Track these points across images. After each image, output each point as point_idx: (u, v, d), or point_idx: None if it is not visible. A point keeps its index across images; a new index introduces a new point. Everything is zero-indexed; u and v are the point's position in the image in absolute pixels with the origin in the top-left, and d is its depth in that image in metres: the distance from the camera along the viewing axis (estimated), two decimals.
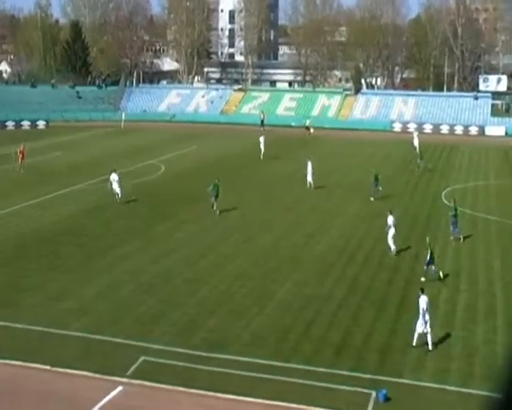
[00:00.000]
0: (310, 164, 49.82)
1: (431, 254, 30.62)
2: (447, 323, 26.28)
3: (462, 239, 37.06)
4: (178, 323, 25.82)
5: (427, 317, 23.88)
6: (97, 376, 21.55)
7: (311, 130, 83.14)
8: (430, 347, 23.82)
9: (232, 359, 22.79)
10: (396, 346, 24.19)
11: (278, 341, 24.42)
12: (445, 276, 31.11)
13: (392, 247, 34.76)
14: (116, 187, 44.97)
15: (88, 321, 25.73)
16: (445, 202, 46.56)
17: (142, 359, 22.61)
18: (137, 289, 29.36)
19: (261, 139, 64.56)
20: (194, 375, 21.76)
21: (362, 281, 30.91)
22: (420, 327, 23.90)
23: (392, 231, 34.58)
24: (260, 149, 63.66)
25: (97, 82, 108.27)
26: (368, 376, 21.90)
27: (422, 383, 21.56)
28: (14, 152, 56.31)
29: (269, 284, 30.18)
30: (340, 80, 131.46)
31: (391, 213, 34.91)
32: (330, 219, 41.36)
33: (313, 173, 49.58)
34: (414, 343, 24.02)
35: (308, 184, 49.58)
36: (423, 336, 23.91)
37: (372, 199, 46.19)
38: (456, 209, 37.46)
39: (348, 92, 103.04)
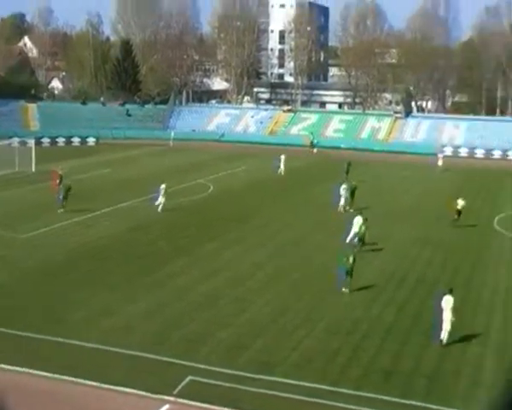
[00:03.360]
0: (343, 186, 49.88)
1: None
2: (499, 352, 25.72)
3: None
4: (226, 343, 25.64)
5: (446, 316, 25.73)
6: (145, 394, 21.46)
7: (315, 150, 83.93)
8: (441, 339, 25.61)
9: (280, 381, 22.51)
10: (446, 373, 23.67)
11: (326, 363, 24.07)
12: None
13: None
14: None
15: (135, 339, 25.67)
16: (498, 227, 45.90)
17: (188, 378, 22.44)
18: (185, 307, 29.25)
19: (282, 157, 66.17)
20: (241, 396, 21.52)
21: (411, 306, 30.43)
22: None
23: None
24: (279, 167, 65.82)
25: (139, 101, 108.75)
26: (417, 403, 21.44)
27: None
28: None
29: (317, 306, 29.87)
30: (391, 103, 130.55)
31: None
32: (380, 243, 40.59)
33: (345, 195, 49.37)
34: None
35: (340, 208, 49.26)
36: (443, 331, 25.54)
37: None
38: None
39: (398, 115, 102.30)
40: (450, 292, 26.34)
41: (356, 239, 38.83)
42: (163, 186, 47.58)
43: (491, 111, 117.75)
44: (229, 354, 24.62)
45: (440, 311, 26.07)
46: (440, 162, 72.83)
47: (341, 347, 25.55)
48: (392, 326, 27.79)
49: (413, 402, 21.50)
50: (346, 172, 60.58)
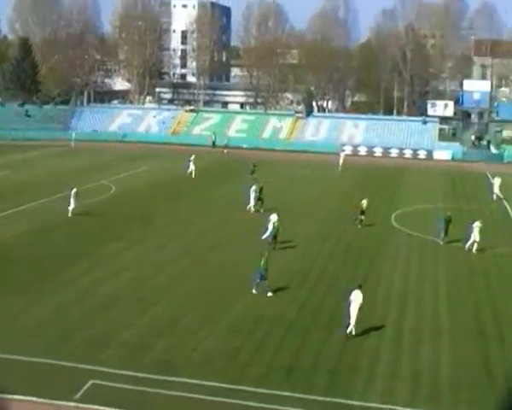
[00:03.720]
0: (253, 187, 50.21)
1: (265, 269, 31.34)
2: (395, 344, 26.62)
3: None
4: (128, 344, 25.57)
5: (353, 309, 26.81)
6: (45, 401, 21.12)
7: (225, 150, 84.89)
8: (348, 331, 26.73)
9: (183, 381, 22.63)
10: (345, 367, 24.36)
11: (227, 362, 24.36)
12: (275, 291, 31.66)
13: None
14: None
15: (35, 343, 25.23)
16: (395, 224, 47.38)
17: (90, 382, 22.25)
18: (87, 309, 28.98)
19: (191, 158, 66.02)
20: (145, 398, 21.54)
21: (312, 302, 31.10)
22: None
23: None
24: (189, 167, 65.19)
25: (39, 101, 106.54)
26: (317, 398, 21.98)
27: (371, 405, 21.74)
28: None
29: (221, 305, 30.13)
30: (292, 103, 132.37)
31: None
32: (285, 242, 40.99)
33: (255, 197, 49.67)
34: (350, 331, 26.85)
35: (248, 208, 49.63)
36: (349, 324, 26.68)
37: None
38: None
39: (299, 115, 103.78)
40: (360, 288, 27.49)
41: (270, 237, 39.63)
42: (74, 190, 46.37)
43: (388, 110, 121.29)
44: (131, 355, 24.56)
45: (348, 305, 26.85)
46: (341, 161, 74.40)
47: (243, 345, 25.88)
48: (293, 323, 28.33)
49: (314, 397, 22.01)
50: (250, 174, 61.15)
